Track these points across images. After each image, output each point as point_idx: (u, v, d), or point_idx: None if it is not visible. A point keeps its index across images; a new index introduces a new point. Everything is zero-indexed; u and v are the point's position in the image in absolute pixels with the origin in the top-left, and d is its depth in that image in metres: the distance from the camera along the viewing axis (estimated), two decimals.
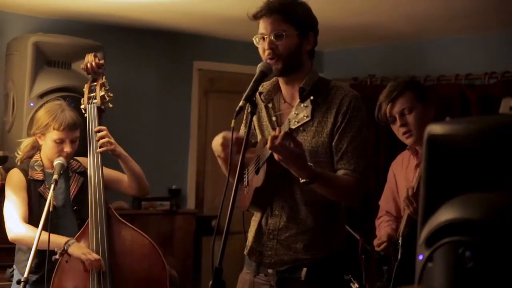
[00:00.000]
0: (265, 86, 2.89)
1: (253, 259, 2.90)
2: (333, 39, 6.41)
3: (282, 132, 2.44)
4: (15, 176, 3.56)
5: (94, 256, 3.28)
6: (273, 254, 2.82)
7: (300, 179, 2.56)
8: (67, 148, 3.51)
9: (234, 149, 2.51)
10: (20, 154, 3.65)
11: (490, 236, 1.02)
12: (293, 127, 2.39)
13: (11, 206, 3.48)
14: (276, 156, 2.49)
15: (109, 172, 3.63)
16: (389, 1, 4.74)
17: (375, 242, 3.52)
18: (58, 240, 3.32)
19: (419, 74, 6.08)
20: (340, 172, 2.72)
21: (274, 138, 2.44)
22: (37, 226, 3.19)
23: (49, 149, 3.54)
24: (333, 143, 2.72)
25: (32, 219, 3.46)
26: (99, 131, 3.46)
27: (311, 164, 2.58)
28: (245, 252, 2.96)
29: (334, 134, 2.72)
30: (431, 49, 6.23)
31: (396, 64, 6.48)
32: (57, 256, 3.29)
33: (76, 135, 3.57)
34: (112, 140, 3.48)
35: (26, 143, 3.67)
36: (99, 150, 3.46)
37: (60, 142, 3.52)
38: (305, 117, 2.35)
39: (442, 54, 6.10)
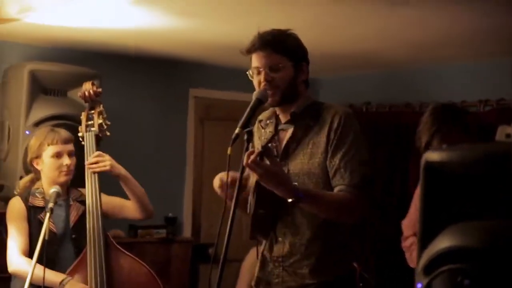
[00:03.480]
0: (265, 114, 2.90)
1: None
2: (328, 66, 6.45)
3: (257, 151, 2.47)
4: (15, 205, 3.54)
5: None
6: (280, 281, 2.80)
7: (287, 199, 2.55)
8: (66, 161, 3.49)
9: (231, 190, 2.53)
10: (18, 190, 3.65)
11: (488, 263, 1.02)
12: (263, 144, 2.49)
13: (12, 238, 3.47)
14: (255, 177, 2.51)
15: (111, 199, 3.62)
16: (383, 29, 4.77)
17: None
18: (53, 279, 3.28)
19: (414, 102, 6.11)
20: (336, 189, 2.70)
21: (248, 156, 2.46)
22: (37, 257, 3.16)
23: (49, 169, 3.52)
24: (327, 162, 2.72)
25: (32, 247, 3.43)
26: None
27: (296, 184, 2.58)
28: (252, 284, 2.93)
29: (328, 152, 2.72)
30: (426, 77, 6.26)
31: (392, 91, 6.51)
32: None
33: (71, 149, 3.55)
34: (107, 162, 3.46)
35: (24, 179, 3.70)
36: (92, 170, 3.45)
37: (58, 156, 3.50)
38: (269, 132, 2.54)
39: (437, 82, 6.12)
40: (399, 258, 5.92)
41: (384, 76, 6.66)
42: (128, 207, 3.60)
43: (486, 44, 5.13)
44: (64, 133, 3.59)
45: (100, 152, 3.50)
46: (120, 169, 3.53)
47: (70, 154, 3.54)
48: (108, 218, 3.63)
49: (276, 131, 2.56)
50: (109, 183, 3.60)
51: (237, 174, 2.57)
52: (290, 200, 2.54)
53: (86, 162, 3.48)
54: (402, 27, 4.70)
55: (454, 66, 5.99)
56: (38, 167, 3.57)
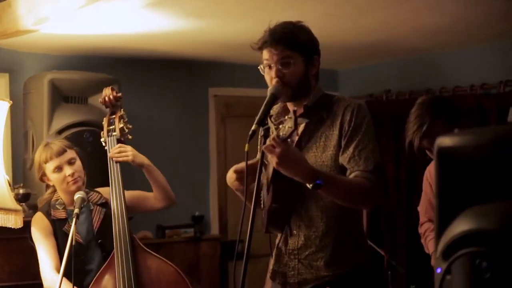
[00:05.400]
0: (274, 109, 2.90)
1: (277, 281, 2.91)
2: (346, 58, 6.43)
3: (274, 136, 2.50)
4: (40, 222, 3.57)
5: None
6: (295, 274, 2.82)
7: (307, 185, 2.54)
8: (68, 171, 3.53)
9: (249, 178, 2.54)
10: (40, 205, 3.69)
11: (506, 245, 1.03)
12: (281, 133, 2.54)
13: (43, 255, 3.50)
14: (274, 161, 2.49)
15: (133, 193, 3.66)
16: (398, 16, 4.75)
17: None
18: None
19: (434, 87, 6.08)
20: (351, 175, 2.70)
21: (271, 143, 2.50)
22: (66, 267, 3.16)
23: (57, 182, 3.58)
24: (340, 153, 2.73)
25: (61, 260, 3.47)
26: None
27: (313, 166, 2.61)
28: (269, 276, 2.96)
29: (342, 145, 2.73)
30: (445, 61, 6.23)
31: (411, 77, 6.48)
32: None
33: (70, 156, 3.59)
34: (129, 152, 3.53)
35: (45, 194, 3.73)
36: (116, 160, 3.51)
37: (58, 170, 3.55)
38: (289, 128, 2.56)
39: (456, 65, 6.09)
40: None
41: (403, 63, 6.64)
42: (151, 197, 3.66)
43: (501, 25, 5.09)
44: (55, 146, 3.60)
45: (121, 144, 3.57)
46: (143, 159, 3.59)
47: (70, 163, 3.57)
48: (133, 214, 3.66)
49: (296, 126, 2.56)
50: (130, 178, 3.65)
51: (256, 162, 2.61)
52: (310, 185, 2.54)
53: (108, 155, 3.54)
54: (416, 14, 4.68)
55: (472, 49, 5.95)
56: (50, 183, 3.63)
